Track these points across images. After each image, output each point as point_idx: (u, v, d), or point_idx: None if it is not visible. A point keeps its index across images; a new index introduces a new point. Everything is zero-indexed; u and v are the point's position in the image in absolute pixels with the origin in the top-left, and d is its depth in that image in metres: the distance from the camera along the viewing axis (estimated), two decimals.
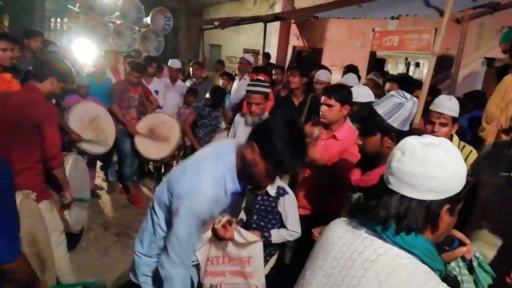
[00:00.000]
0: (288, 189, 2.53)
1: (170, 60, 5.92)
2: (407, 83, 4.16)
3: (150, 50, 8.60)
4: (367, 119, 1.81)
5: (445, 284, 0.96)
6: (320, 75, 4.49)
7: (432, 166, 0.99)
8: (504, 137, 2.61)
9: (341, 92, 2.70)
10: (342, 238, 1.12)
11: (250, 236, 2.21)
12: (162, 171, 6.23)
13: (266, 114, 3.44)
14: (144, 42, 8.82)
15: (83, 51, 6.83)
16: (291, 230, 2.46)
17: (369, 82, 4.71)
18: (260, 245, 2.25)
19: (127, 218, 4.60)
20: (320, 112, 2.73)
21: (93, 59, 5.52)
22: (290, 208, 2.47)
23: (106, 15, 8.86)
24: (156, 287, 1.80)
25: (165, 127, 4.90)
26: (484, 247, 1.89)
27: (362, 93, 3.10)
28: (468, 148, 2.67)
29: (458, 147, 2.65)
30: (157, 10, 8.80)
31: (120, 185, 5.40)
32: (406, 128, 1.78)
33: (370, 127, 1.80)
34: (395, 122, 1.74)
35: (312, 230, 2.24)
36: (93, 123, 4.43)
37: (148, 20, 8.82)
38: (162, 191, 1.74)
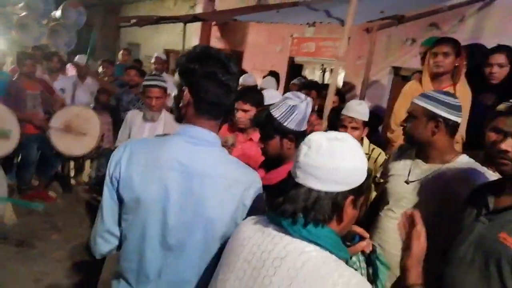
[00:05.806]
0: None
1: (77, 56, 5.56)
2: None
3: (60, 46, 8.00)
4: (265, 124, 1.86)
5: (353, 269, 1.00)
6: (245, 79, 4.52)
7: (337, 159, 1.03)
8: None
9: (255, 96, 2.76)
10: (252, 238, 1.11)
11: None
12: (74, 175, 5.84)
13: (164, 112, 3.36)
14: (53, 36, 8.18)
15: None
16: None
17: (293, 86, 4.81)
18: None
19: (30, 225, 4.16)
20: (237, 118, 2.72)
21: None
22: None
23: (7, 5, 8.07)
24: None
25: (81, 119, 4.52)
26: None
27: (272, 96, 3.08)
28: (377, 150, 2.83)
29: (368, 149, 2.80)
30: (69, 3, 8.20)
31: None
32: (303, 128, 1.85)
33: (268, 131, 1.85)
34: (291, 124, 1.80)
35: None
36: None
37: (57, 13, 8.21)
38: None
